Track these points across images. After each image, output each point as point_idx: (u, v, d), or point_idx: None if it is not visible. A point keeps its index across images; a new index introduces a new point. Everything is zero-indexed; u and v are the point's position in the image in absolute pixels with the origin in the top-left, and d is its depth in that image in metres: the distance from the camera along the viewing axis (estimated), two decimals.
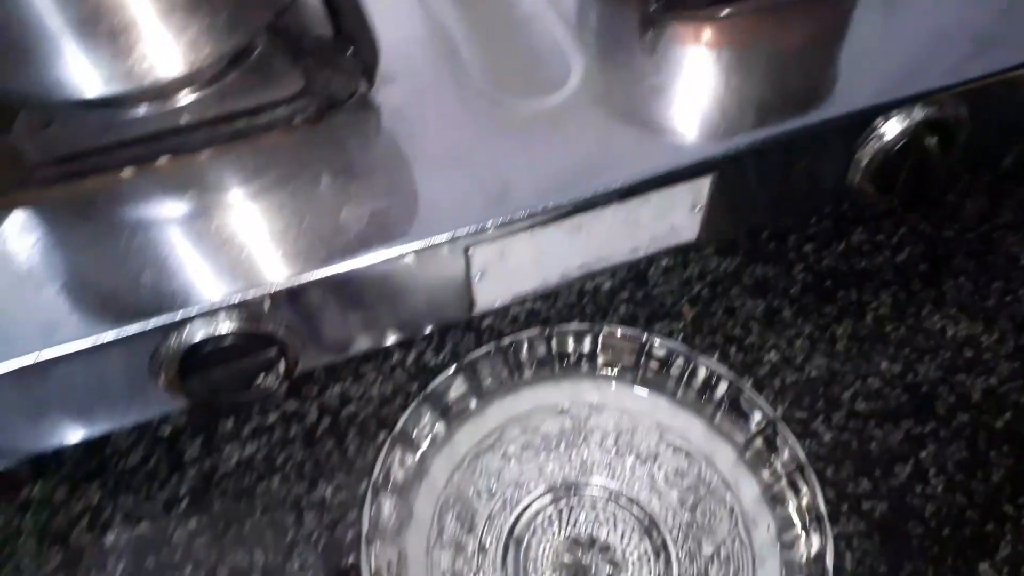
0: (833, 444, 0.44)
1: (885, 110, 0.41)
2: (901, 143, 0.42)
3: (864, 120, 0.41)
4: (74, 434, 0.40)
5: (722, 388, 0.39)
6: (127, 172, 0.41)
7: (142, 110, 0.42)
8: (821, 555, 0.33)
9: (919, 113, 0.41)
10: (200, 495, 0.44)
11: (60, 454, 0.45)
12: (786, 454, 0.37)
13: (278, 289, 0.36)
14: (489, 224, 0.37)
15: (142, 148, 0.41)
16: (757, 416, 0.38)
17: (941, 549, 0.41)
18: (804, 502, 0.36)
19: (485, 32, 0.46)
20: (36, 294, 0.36)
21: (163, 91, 0.41)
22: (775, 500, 0.37)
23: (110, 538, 0.43)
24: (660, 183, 0.39)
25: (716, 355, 0.47)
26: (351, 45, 0.42)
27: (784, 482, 0.37)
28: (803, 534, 0.35)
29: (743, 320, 0.48)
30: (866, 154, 0.42)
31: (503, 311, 0.49)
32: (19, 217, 0.39)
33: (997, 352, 0.47)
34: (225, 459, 0.45)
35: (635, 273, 0.50)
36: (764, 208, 0.45)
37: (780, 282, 0.50)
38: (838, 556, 0.41)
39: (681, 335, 0.48)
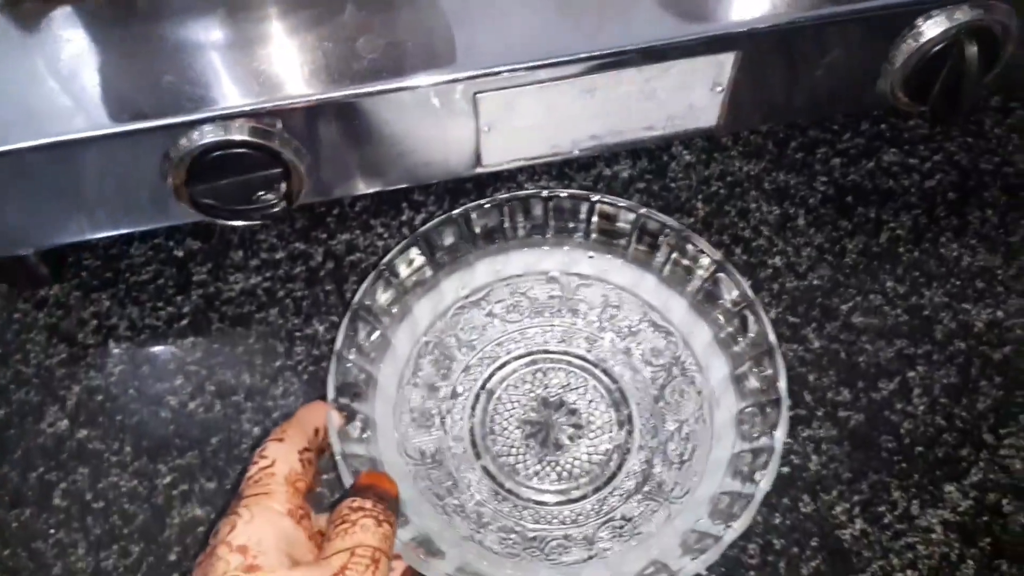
0: (821, 352, 0.44)
1: (927, 6, 0.40)
2: (940, 46, 0.40)
3: (904, 16, 0.40)
4: (89, 229, 0.42)
5: (705, 266, 0.39)
6: None
7: None
8: (772, 448, 0.33)
9: (963, 15, 0.39)
10: (201, 315, 0.46)
11: (79, 261, 0.47)
12: (754, 334, 0.36)
13: (283, 105, 0.37)
14: (497, 68, 0.37)
15: None
16: (734, 295, 0.37)
17: (909, 465, 0.41)
18: (766, 384, 0.35)
19: None
20: (67, 83, 0.38)
21: None
22: (740, 380, 0.37)
23: (112, 343, 0.45)
24: (680, 52, 0.38)
25: (721, 253, 0.47)
26: None
27: (748, 364, 0.36)
28: (761, 413, 0.35)
29: (755, 223, 0.48)
30: (901, 54, 0.41)
31: (517, 186, 0.49)
32: (64, 11, 0.41)
33: (1010, 287, 0.45)
34: (230, 286, 0.47)
35: (656, 165, 0.50)
36: (789, 100, 0.44)
37: (800, 191, 0.49)
38: (804, 457, 0.41)
39: (690, 230, 0.47)
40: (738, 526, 0.32)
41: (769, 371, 0.36)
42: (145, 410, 0.43)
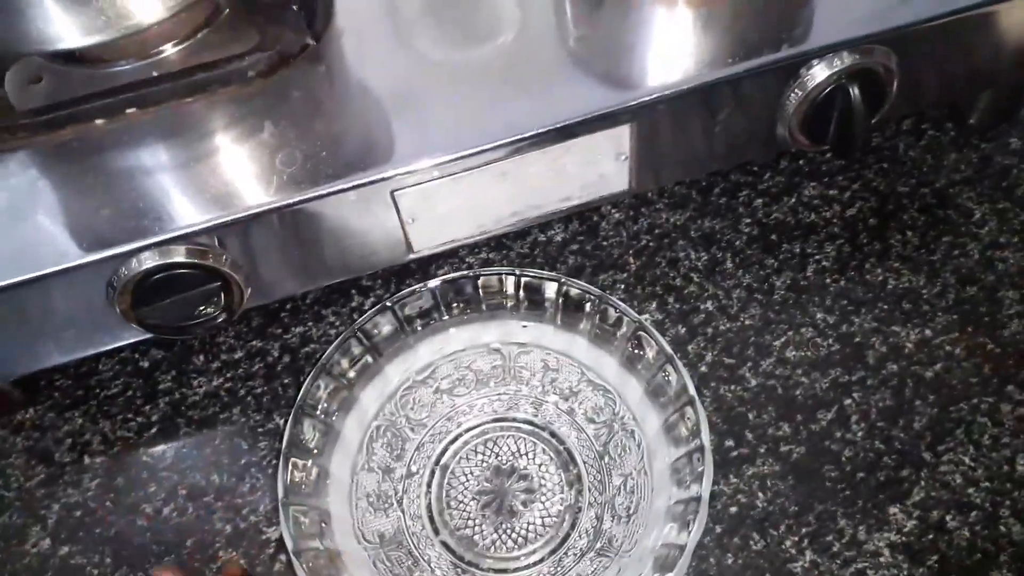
0: (759, 389, 0.45)
1: (807, 57, 0.42)
2: (826, 91, 0.42)
3: (787, 69, 0.42)
4: (54, 356, 0.45)
5: (627, 325, 0.40)
6: (99, 122, 0.45)
7: (123, 65, 0.46)
8: (700, 476, 0.35)
9: (843, 61, 0.42)
10: (169, 422, 0.48)
11: (51, 382, 0.50)
12: (676, 386, 0.38)
13: (217, 224, 0.40)
14: (408, 168, 0.40)
15: (113, 98, 0.45)
16: (654, 350, 0.39)
17: (854, 492, 0.42)
18: (692, 431, 0.37)
19: None
20: (12, 227, 0.41)
21: (140, 48, 0.45)
22: (671, 430, 0.39)
23: (87, 458, 0.47)
24: (575, 131, 0.41)
25: (655, 304, 0.49)
26: (300, 3, 0.45)
27: (676, 415, 0.38)
28: (689, 460, 0.37)
29: (685, 271, 0.50)
30: (791, 104, 0.43)
31: (458, 261, 0.52)
32: (5, 160, 0.44)
33: (936, 305, 0.47)
34: (194, 390, 0.49)
35: (587, 227, 0.52)
36: (694, 156, 0.46)
37: (726, 235, 0.51)
38: (751, 495, 0.43)
39: (623, 285, 0.50)
40: (675, 574, 0.34)
41: (694, 421, 0.38)
42: (122, 520, 0.45)
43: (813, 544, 0.41)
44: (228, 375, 0.49)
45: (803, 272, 0.49)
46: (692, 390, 0.38)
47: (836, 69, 0.41)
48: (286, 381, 0.49)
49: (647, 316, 0.48)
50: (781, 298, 0.48)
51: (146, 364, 0.50)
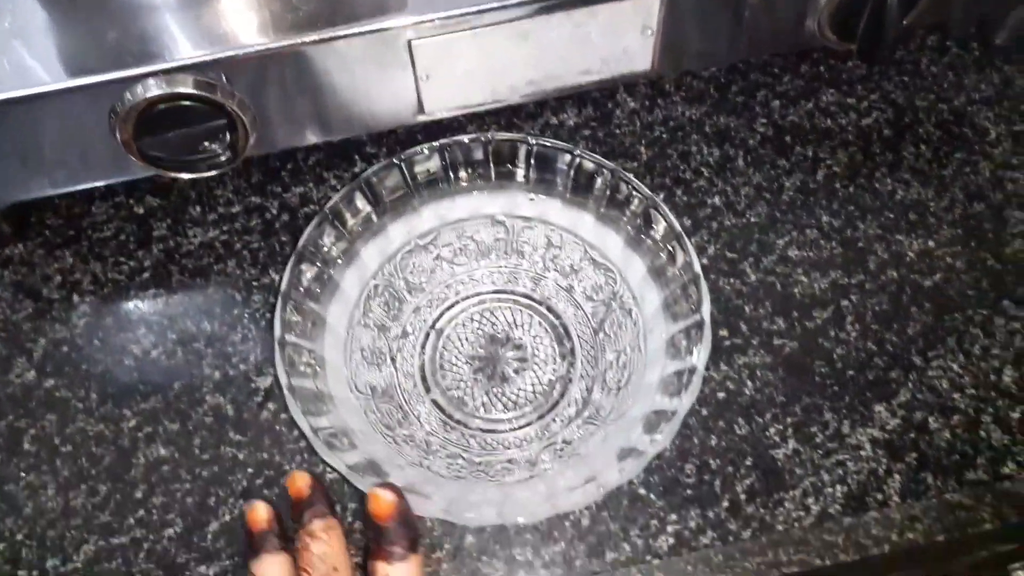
0: (757, 284, 0.45)
1: None
2: None
3: None
4: (45, 186, 0.44)
5: (638, 202, 0.40)
6: None
7: None
8: (692, 367, 0.35)
9: None
10: (162, 269, 0.47)
11: (42, 220, 0.49)
12: (681, 262, 0.38)
13: (224, 58, 0.39)
14: (429, 16, 0.39)
15: None
16: (663, 228, 0.39)
17: (841, 388, 0.43)
18: (692, 307, 0.37)
19: None
20: (14, 43, 0.39)
21: None
22: (670, 307, 0.39)
23: (76, 297, 0.47)
24: None
25: (662, 195, 0.48)
26: None
27: (679, 291, 0.38)
28: (687, 335, 0.37)
29: (696, 165, 0.49)
30: None
31: (465, 128, 0.51)
32: None
33: (942, 218, 0.47)
34: (189, 240, 0.48)
35: (600, 113, 0.51)
36: (720, 42, 0.45)
37: (740, 133, 0.50)
38: (739, 383, 0.43)
39: (632, 174, 0.49)
40: (662, 438, 0.34)
41: (696, 297, 0.38)
42: (109, 359, 0.45)
43: (797, 433, 0.42)
44: (225, 228, 0.48)
45: (813, 175, 0.49)
46: (697, 266, 0.37)
47: None
48: (284, 239, 0.48)
49: None
50: (789, 199, 0.48)
51: (141, 211, 0.49)
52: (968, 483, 0.40)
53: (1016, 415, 0.42)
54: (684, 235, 0.39)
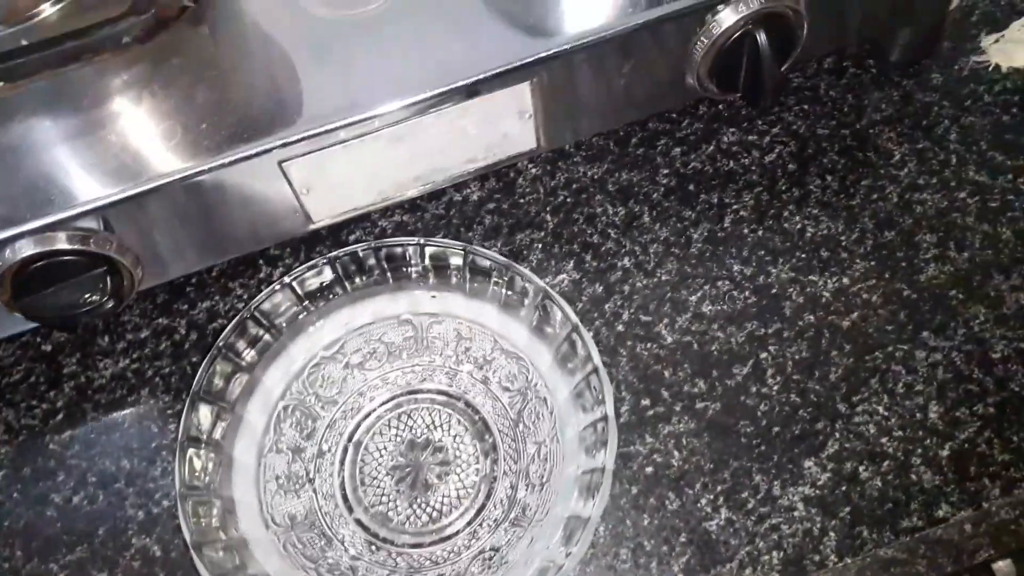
0: (675, 346, 0.45)
1: (713, 4, 0.40)
2: (733, 38, 0.40)
3: (692, 16, 0.40)
4: None
5: (533, 294, 0.39)
6: None
7: None
8: (603, 467, 0.35)
9: (748, 6, 0.40)
10: (75, 407, 0.46)
11: None
12: (582, 355, 0.37)
13: (97, 206, 0.38)
14: (293, 138, 0.38)
15: None
16: (559, 318, 0.38)
17: (768, 447, 0.42)
18: (597, 400, 0.36)
19: None
20: None
21: (11, 13, 0.42)
22: (579, 397, 0.38)
23: None
24: (469, 92, 0.39)
25: (572, 262, 0.48)
26: None
27: (583, 382, 0.37)
28: (594, 430, 0.36)
29: (602, 227, 0.48)
30: (699, 51, 0.41)
31: (370, 225, 0.50)
32: None
33: (854, 252, 0.46)
34: (100, 373, 0.47)
35: (503, 183, 0.50)
36: (603, 110, 0.44)
37: (644, 187, 0.49)
38: (666, 454, 0.42)
39: (540, 244, 0.48)
40: (576, 551, 0.34)
41: (598, 389, 0.37)
42: (31, 512, 0.44)
43: (728, 501, 0.41)
44: (134, 355, 0.48)
45: (720, 223, 0.48)
46: (597, 359, 0.37)
47: (743, 14, 0.40)
48: (194, 360, 0.47)
49: (564, 276, 0.47)
50: (698, 251, 0.47)
51: (48, 348, 0.48)
52: (903, 531, 0.40)
53: (945, 452, 0.41)
54: (580, 326, 0.38)
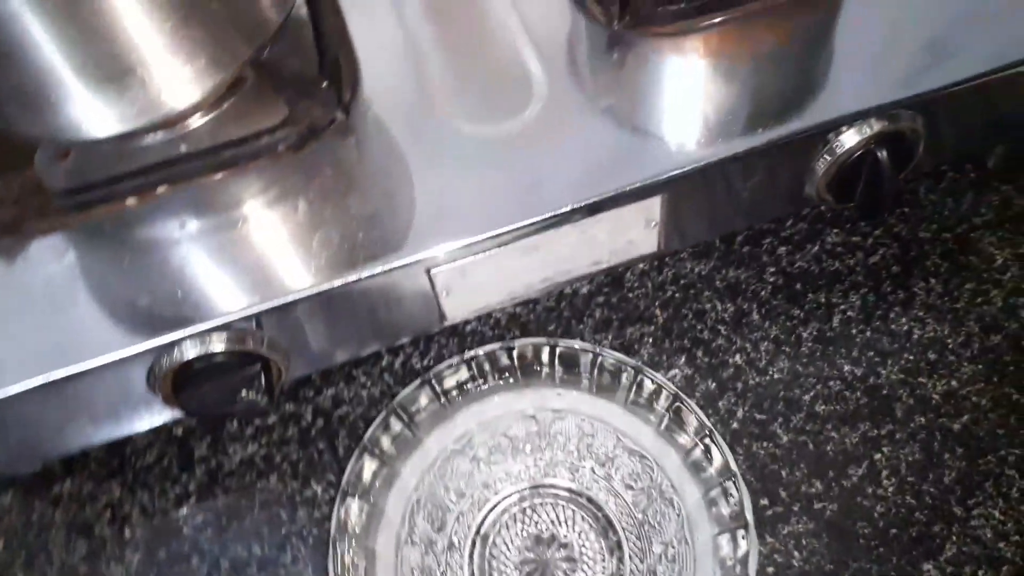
0: (790, 446, 0.46)
1: (837, 125, 0.42)
2: (856, 156, 0.43)
3: (817, 136, 0.42)
4: (93, 439, 0.45)
5: (665, 398, 0.41)
6: (131, 201, 0.45)
7: (150, 139, 0.46)
8: (745, 558, 0.36)
9: (871, 127, 0.42)
10: (207, 491, 0.49)
11: (87, 454, 0.50)
12: (718, 462, 0.39)
13: (256, 311, 0.40)
14: (442, 251, 0.40)
15: (144, 178, 0.45)
16: (694, 424, 0.40)
17: (887, 549, 0.43)
18: (734, 509, 0.38)
19: (458, 54, 0.49)
20: (52, 317, 0.41)
21: (168, 122, 0.45)
22: (712, 505, 0.39)
23: (128, 531, 0.48)
24: (606, 206, 0.41)
25: (683, 357, 0.49)
26: (331, 78, 0.45)
27: (718, 489, 0.39)
28: (732, 539, 0.38)
29: (712, 323, 0.50)
30: (820, 168, 0.43)
31: (485, 316, 0.52)
32: (40, 244, 0.44)
33: (961, 355, 0.48)
34: (230, 458, 0.49)
35: (612, 278, 0.52)
36: (722, 218, 0.47)
37: (751, 285, 0.51)
38: (787, 555, 0.43)
39: (651, 339, 0.50)
40: None
41: (736, 496, 0.38)
42: None
43: None
44: (263, 441, 0.50)
45: (828, 323, 0.50)
46: (733, 465, 0.38)
47: (866, 135, 0.42)
48: (321, 446, 0.49)
49: (676, 371, 0.49)
50: (808, 350, 0.49)
51: (180, 432, 0.50)
52: None
53: None
54: (715, 432, 0.39)
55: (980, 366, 0.47)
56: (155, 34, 0.39)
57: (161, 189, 0.45)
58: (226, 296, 0.41)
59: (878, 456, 0.45)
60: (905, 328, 0.49)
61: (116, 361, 0.39)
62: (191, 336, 0.40)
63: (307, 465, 0.49)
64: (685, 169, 0.41)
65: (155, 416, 0.45)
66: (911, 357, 0.48)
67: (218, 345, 0.40)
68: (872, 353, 0.48)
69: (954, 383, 0.47)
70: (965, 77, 0.42)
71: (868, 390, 0.47)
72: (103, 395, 0.42)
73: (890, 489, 0.45)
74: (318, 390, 0.51)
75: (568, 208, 0.41)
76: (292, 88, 0.46)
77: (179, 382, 0.41)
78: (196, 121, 0.46)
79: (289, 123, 0.45)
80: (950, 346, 0.48)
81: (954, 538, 0.43)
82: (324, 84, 0.45)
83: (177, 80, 0.41)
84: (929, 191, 0.53)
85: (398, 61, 0.48)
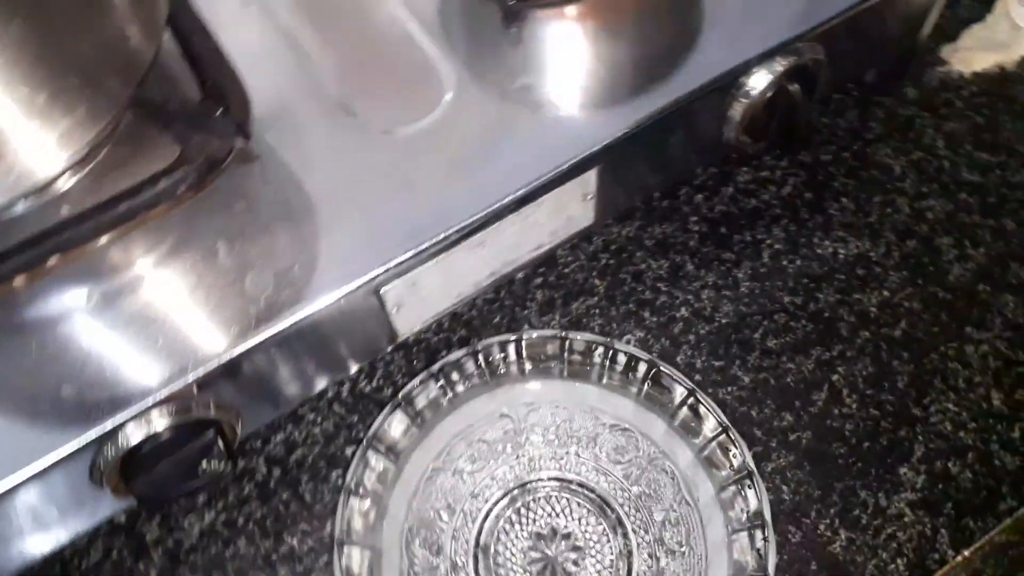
0: (753, 385, 0.47)
1: (747, 68, 0.43)
2: (768, 95, 0.43)
3: (730, 81, 0.43)
4: (32, 555, 0.40)
5: (642, 368, 0.41)
6: (19, 281, 0.39)
7: (20, 207, 0.40)
8: (759, 511, 0.36)
9: (780, 64, 0.43)
10: (171, 574, 0.44)
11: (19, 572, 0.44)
12: (711, 420, 0.39)
13: (201, 374, 0.36)
14: (394, 263, 0.38)
15: (29, 252, 0.39)
16: (678, 389, 0.40)
17: (864, 463, 0.45)
18: (735, 462, 0.38)
19: (351, 55, 0.46)
20: None
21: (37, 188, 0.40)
22: (709, 462, 0.40)
23: None
24: (550, 186, 0.40)
25: (632, 321, 0.49)
26: (220, 104, 0.41)
27: (714, 445, 0.39)
28: (738, 491, 0.38)
29: (651, 282, 0.50)
30: (736, 111, 0.44)
31: (435, 325, 0.50)
32: None
33: (885, 265, 0.50)
34: (187, 532, 0.45)
35: (545, 258, 0.51)
36: (650, 178, 0.46)
37: (679, 237, 0.52)
38: (776, 490, 0.45)
39: (598, 310, 0.50)
40: None
41: (735, 449, 0.39)
42: None
43: (843, 522, 0.44)
44: (219, 506, 0.46)
45: (759, 259, 0.51)
46: (722, 417, 0.38)
47: (777, 72, 0.42)
48: (284, 496, 0.46)
49: (629, 336, 0.49)
50: (747, 289, 0.50)
51: (123, 519, 0.46)
52: (1003, 513, 0.43)
53: (1016, 435, 0.45)
54: (698, 391, 0.39)
55: (904, 272, 0.50)
56: (20, 103, 0.34)
57: (52, 261, 0.39)
58: (160, 365, 0.37)
59: (835, 377, 0.47)
60: (830, 250, 0.51)
61: (52, 464, 0.35)
62: (131, 418, 0.36)
63: (275, 520, 0.45)
64: (619, 135, 0.40)
65: (103, 511, 0.40)
66: (842, 276, 0.50)
67: (163, 420, 0.36)
68: (806, 280, 0.50)
69: (886, 293, 0.49)
70: (854, 3, 0.44)
71: (811, 316, 0.49)
72: (43, 504, 0.37)
73: (853, 406, 0.46)
74: (266, 439, 0.47)
75: (516, 194, 0.39)
76: (180, 123, 0.41)
77: (129, 470, 0.37)
78: (66, 181, 0.41)
79: (184, 161, 0.40)
80: (874, 259, 0.50)
81: (920, 438, 0.45)
82: (219, 112, 0.41)
83: (48, 142, 0.36)
84: (820, 114, 0.55)
85: (286, 72, 0.44)
